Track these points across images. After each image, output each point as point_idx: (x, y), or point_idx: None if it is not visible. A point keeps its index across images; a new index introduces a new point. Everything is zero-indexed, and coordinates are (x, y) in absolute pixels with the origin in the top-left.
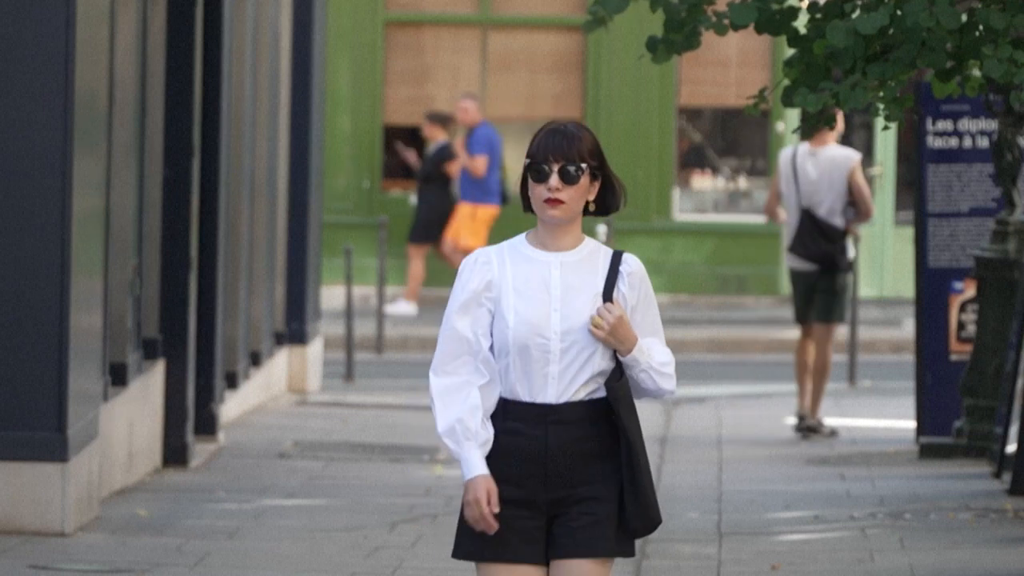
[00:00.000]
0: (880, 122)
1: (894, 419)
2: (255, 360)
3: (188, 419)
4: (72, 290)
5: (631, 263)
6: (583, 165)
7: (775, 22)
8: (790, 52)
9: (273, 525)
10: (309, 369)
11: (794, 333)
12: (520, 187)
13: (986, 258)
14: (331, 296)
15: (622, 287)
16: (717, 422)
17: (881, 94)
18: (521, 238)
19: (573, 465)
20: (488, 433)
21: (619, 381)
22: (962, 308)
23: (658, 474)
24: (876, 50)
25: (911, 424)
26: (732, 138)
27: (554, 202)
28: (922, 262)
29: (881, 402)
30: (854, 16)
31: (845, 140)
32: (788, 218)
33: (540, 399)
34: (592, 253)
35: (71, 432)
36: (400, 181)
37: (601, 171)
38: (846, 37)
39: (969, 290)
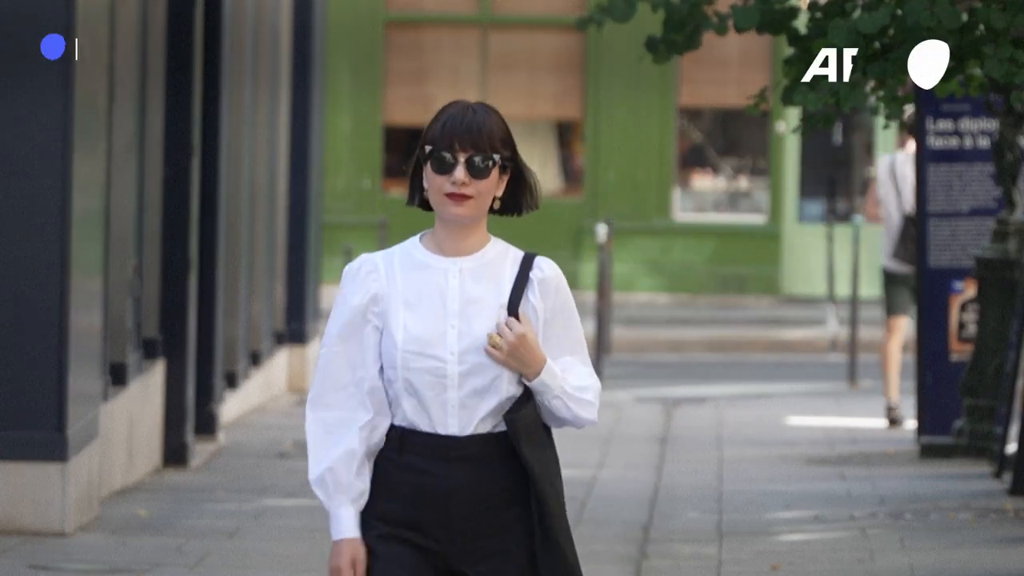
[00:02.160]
0: (880, 121)
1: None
2: (255, 360)
3: (188, 419)
4: (72, 290)
5: (544, 268)
6: (494, 156)
7: (776, 22)
8: (790, 51)
9: (273, 525)
10: (309, 369)
11: (794, 333)
12: (410, 177)
13: (986, 258)
14: (331, 296)
15: (531, 297)
16: (717, 422)
17: (882, 93)
18: (414, 241)
19: (480, 511)
20: (364, 484)
21: (520, 411)
22: (963, 308)
23: (658, 474)
24: (876, 49)
25: (911, 424)
26: (732, 138)
27: (459, 197)
28: (922, 262)
29: (881, 402)
30: (855, 15)
31: (845, 140)
32: (888, 224)
33: (442, 430)
34: (499, 257)
35: (71, 432)
36: (400, 180)
37: (512, 163)
38: (847, 36)
39: (969, 290)
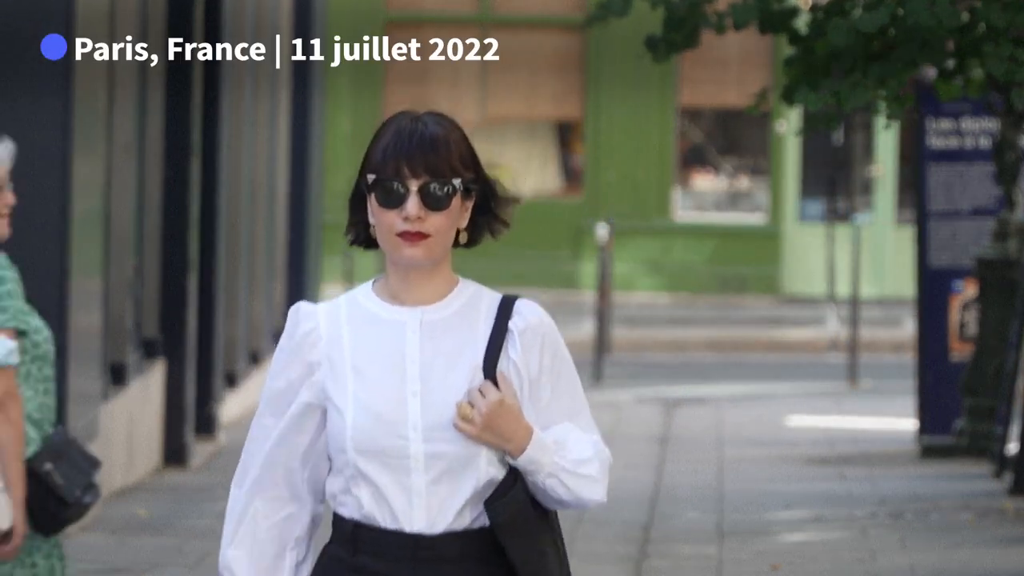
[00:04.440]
0: (880, 121)
1: (894, 419)
2: (255, 360)
3: (188, 419)
4: (72, 290)
5: (527, 314)
6: (455, 182)
7: (777, 21)
8: (790, 51)
9: None
10: None
11: (794, 333)
12: (350, 207)
13: (987, 258)
14: (331, 296)
15: (512, 352)
16: (717, 422)
17: (884, 92)
18: (366, 288)
19: None
20: None
21: (505, 497)
22: (964, 308)
23: (658, 474)
24: (877, 49)
25: (911, 424)
26: (732, 138)
27: (414, 237)
28: (923, 262)
29: (881, 402)
30: (855, 15)
31: (846, 140)
32: None
33: (407, 526)
34: (469, 304)
35: (71, 432)
36: None
37: (477, 184)
38: (847, 36)
39: (970, 290)
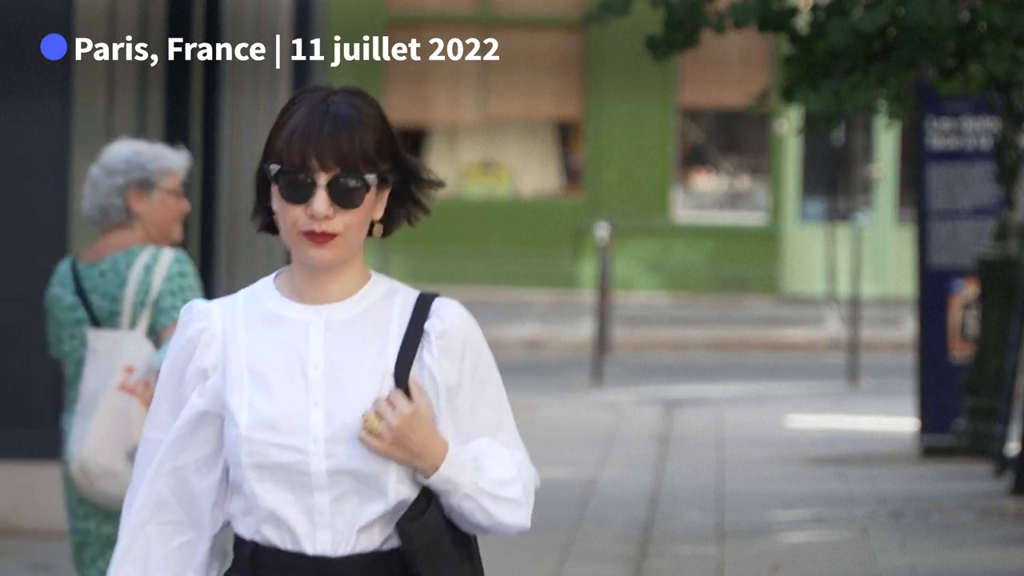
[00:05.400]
0: (881, 121)
1: (895, 419)
2: None
3: None
4: None
5: (445, 315)
6: (369, 177)
7: (776, 20)
8: (790, 50)
9: None
10: None
11: (794, 333)
12: (256, 196)
13: (987, 258)
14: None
15: (427, 358)
16: (718, 422)
17: (884, 92)
18: (267, 283)
19: None
20: None
21: (421, 519)
22: (964, 308)
23: (658, 474)
24: (877, 49)
25: (912, 424)
26: (733, 137)
27: (321, 237)
28: (923, 262)
29: (882, 402)
30: (855, 14)
31: (846, 140)
32: None
33: (309, 548)
34: (381, 303)
35: None
36: None
37: (395, 173)
38: (847, 36)
39: (970, 290)
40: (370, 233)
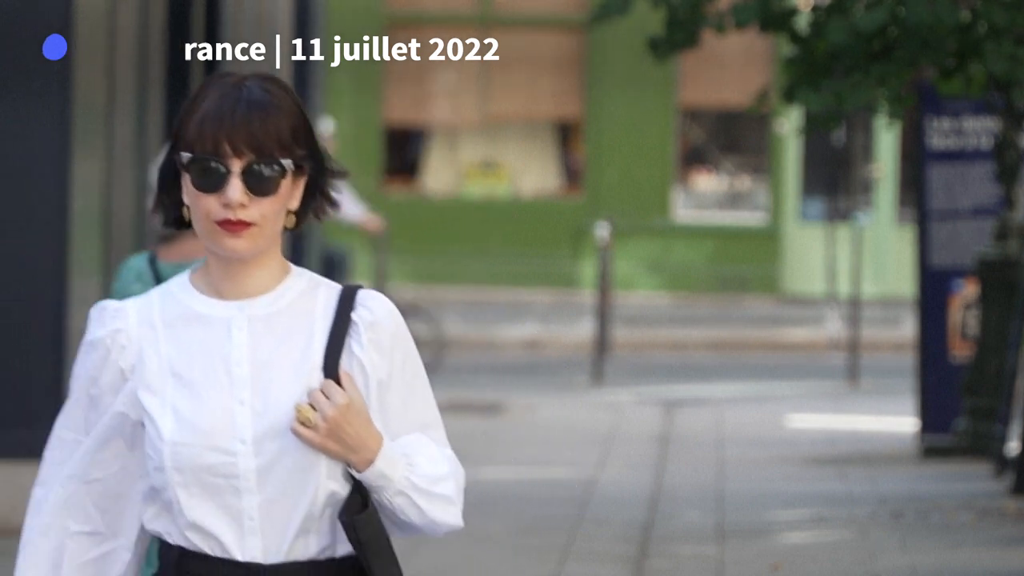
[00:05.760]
0: (881, 121)
1: (895, 419)
2: None
3: None
4: (72, 290)
5: (373, 307)
6: (285, 162)
7: (777, 20)
8: (791, 50)
9: None
10: None
11: (794, 333)
12: (159, 184)
13: (988, 258)
14: None
15: (356, 349)
16: (718, 422)
17: (884, 92)
18: (182, 280)
19: None
20: None
21: (361, 513)
22: (965, 308)
23: (658, 474)
24: (877, 49)
25: (912, 424)
26: (733, 137)
27: (236, 225)
28: (923, 262)
29: (882, 402)
30: (855, 14)
31: (846, 140)
32: None
33: (239, 554)
34: (305, 295)
35: None
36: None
37: (310, 160)
38: (847, 36)
39: (970, 290)
40: (285, 227)
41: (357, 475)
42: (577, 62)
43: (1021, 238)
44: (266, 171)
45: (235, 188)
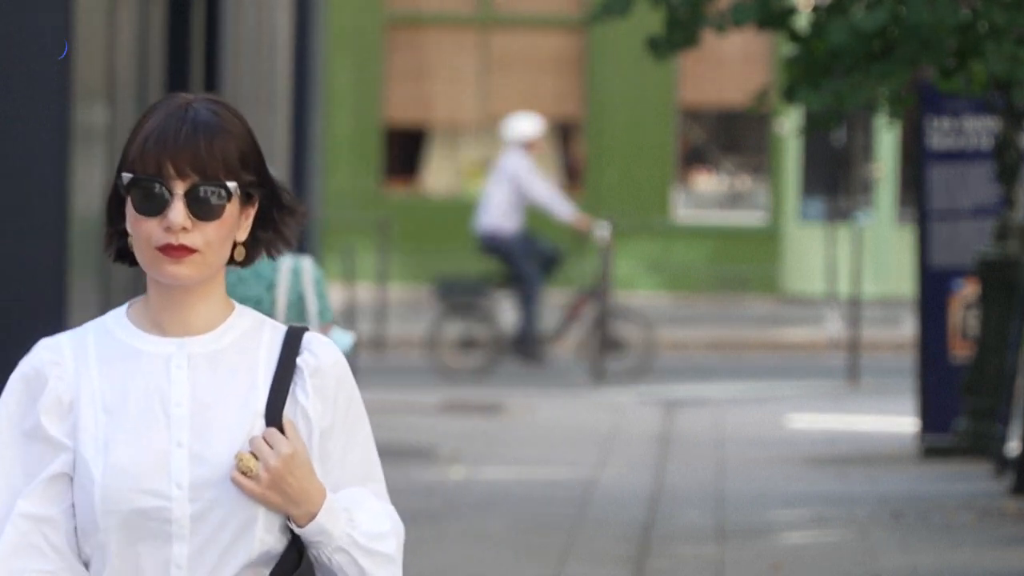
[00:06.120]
0: (881, 121)
1: (895, 419)
2: None
3: None
4: (72, 290)
5: (318, 351)
6: (231, 185)
7: (776, 19)
8: (791, 49)
9: None
10: None
11: (794, 333)
12: (107, 213)
13: (988, 258)
14: (330, 296)
15: (301, 396)
16: (718, 422)
17: (885, 92)
18: (118, 314)
19: None
20: None
21: (296, 571)
22: (965, 308)
23: (659, 474)
24: (877, 48)
25: (912, 424)
26: (733, 137)
27: (178, 251)
28: (923, 262)
29: (882, 402)
30: (855, 14)
31: (847, 140)
32: None
33: None
34: (248, 336)
35: None
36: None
37: (259, 188)
38: (847, 35)
39: (970, 290)
40: (231, 259)
41: (297, 530)
42: (577, 62)
43: (1021, 238)
44: (211, 194)
45: (178, 211)
